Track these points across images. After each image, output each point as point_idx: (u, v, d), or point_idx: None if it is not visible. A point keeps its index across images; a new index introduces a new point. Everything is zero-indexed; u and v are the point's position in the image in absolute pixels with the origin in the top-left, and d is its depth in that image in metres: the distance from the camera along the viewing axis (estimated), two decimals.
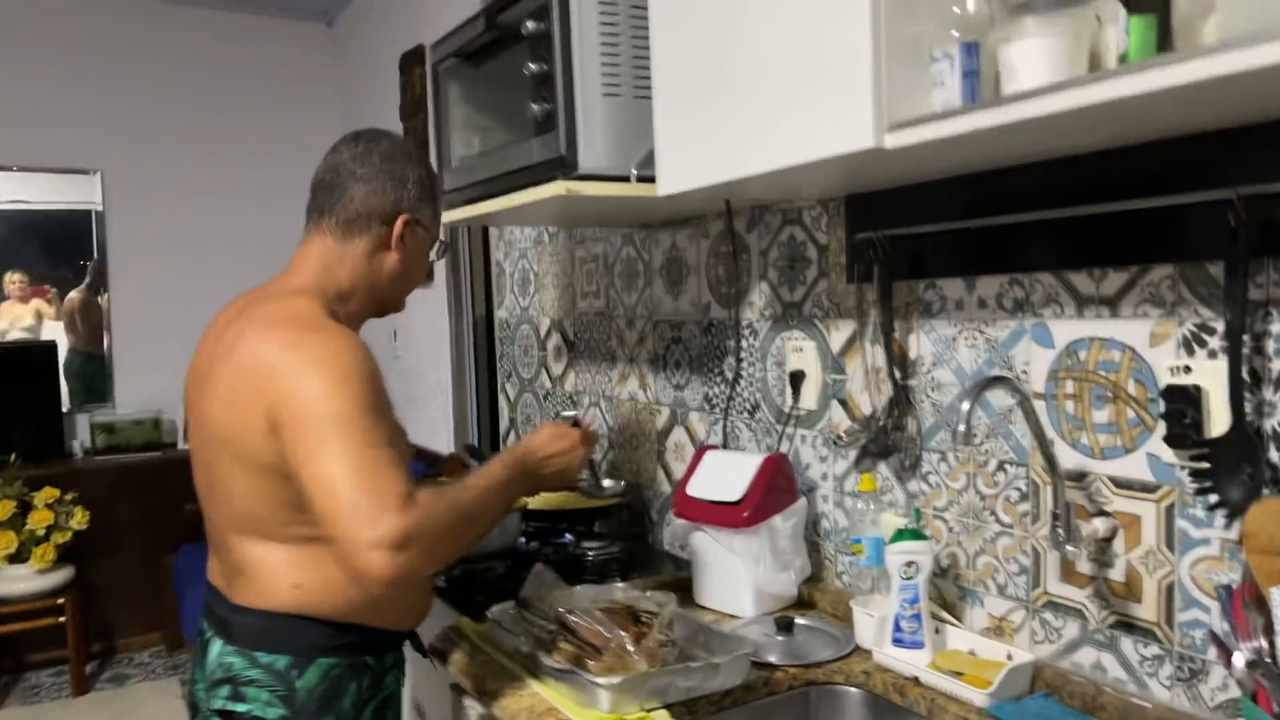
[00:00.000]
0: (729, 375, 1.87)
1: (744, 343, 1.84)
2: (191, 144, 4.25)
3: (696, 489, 1.62)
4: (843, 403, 1.60)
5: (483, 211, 1.69)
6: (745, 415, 1.84)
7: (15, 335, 3.97)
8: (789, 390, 1.70)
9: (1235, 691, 1.06)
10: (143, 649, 3.93)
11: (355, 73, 4.34)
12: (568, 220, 2.15)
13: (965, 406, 1.12)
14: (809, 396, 1.67)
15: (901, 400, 1.45)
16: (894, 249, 1.43)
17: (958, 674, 1.25)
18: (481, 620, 1.50)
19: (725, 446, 1.84)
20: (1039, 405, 1.26)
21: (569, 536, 2.04)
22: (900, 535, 1.33)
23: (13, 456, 3.51)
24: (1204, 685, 1.10)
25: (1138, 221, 1.11)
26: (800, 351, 1.68)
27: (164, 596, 3.83)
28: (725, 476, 1.59)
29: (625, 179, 1.52)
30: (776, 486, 1.56)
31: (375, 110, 4.12)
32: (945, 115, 1.01)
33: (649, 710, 1.20)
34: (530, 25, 1.49)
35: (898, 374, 1.45)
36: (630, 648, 1.24)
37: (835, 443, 1.58)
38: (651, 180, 1.51)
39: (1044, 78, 0.95)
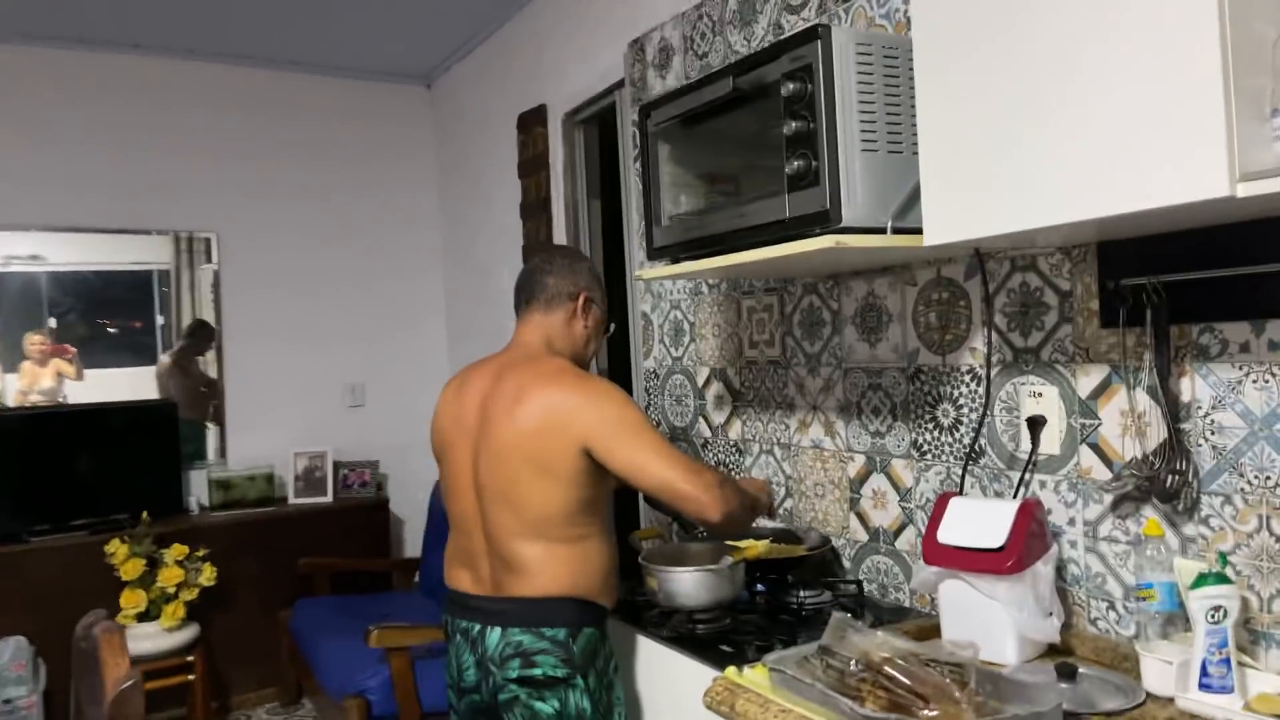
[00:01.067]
0: (947, 422, 1.88)
1: (965, 389, 1.85)
2: (299, 204, 4.34)
3: (948, 536, 1.62)
4: (1094, 447, 1.61)
5: (733, 262, 1.72)
6: (969, 458, 1.85)
7: (34, 398, 3.83)
8: (1025, 436, 1.71)
9: None
10: (258, 704, 3.91)
11: (454, 131, 4.44)
12: (810, 271, 2.12)
13: None
14: (1050, 442, 1.67)
15: (1176, 444, 1.46)
16: (1168, 294, 1.44)
17: (1276, 716, 1.24)
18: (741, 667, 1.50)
19: (961, 493, 1.83)
20: None
21: (761, 586, 2.04)
22: (1203, 580, 1.32)
23: (144, 514, 3.53)
24: None
25: None
26: (1039, 397, 1.69)
27: (278, 651, 3.82)
28: (977, 523, 1.60)
29: (882, 231, 1.55)
30: (1033, 532, 1.56)
31: (477, 166, 4.20)
32: None
33: None
34: (790, 86, 1.53)
35: (1171, 418, 1.46)
36: (956, 695, 1.23)
37: (1105, 487, 1.57)
38: (906, 231, 1.55)
39: None
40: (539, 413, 1.67)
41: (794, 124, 1.53)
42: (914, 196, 1.54)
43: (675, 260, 1.94)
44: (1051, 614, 1.56)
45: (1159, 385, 1.47)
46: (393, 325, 4.59)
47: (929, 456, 1.94)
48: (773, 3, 2.29)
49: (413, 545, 4.37)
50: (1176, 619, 1.42)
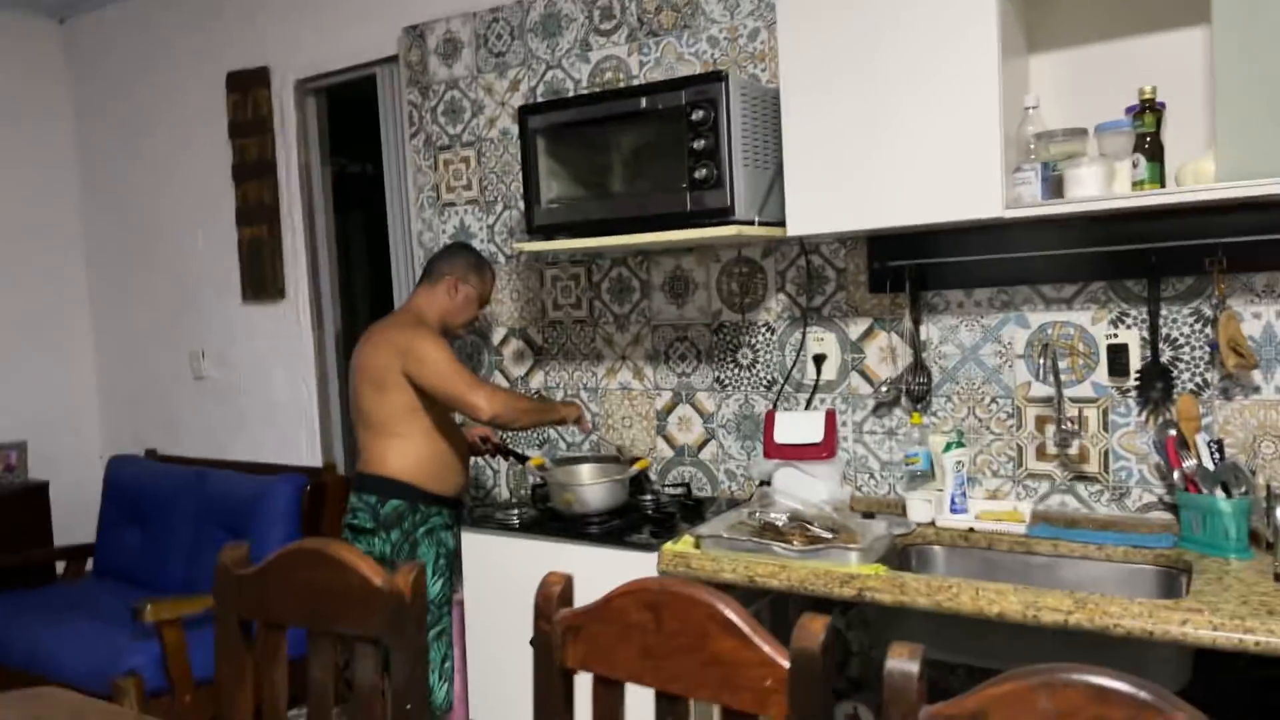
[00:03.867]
0: (746, 362, 2.58)
1: (761, 337, 2.56)
2: None
3: (782, 438, 2.32)
4: (860, 373, 2.42)
5: (634, 241, 2.21)
6: (762, 388, 2.57)
7: None
8: (811, 368, 2.47)
9: (1145, 500, 2.08)
10: None
11: (105, 78, 4.07)
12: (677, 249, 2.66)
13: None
14: (829, 371, 2.45)
15: (921, 366, 2.31)
16: (919, 271, 2.28)
17: (992, 518, 2.14)
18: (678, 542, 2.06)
19: (776, 409, 2.52)
20: (1019, 363, 2.21)
21: None
22: (950, 446, 2.19)
23: None
24: (1127, 501, 2.12)
25: (1088, 257, 2.09)
26: (821, 340, 2.46)
27: None
28: (799, 428, 2.32)
29: (752, 223, 2.18)
30: (834, 430, 2.33)
31: (146, 120, 3.95)
32: (1042, 203, 1.89)
33: (875, 564, 1.90)
34: (699, 113, 2.08)
35: (917, 350, 2.31)
36: (853, 529, 1.94)
37: (878, 392, 2.38)
38: (767, 224, 2.20)
39: (1092, 190, 1.87)
40: (377, 346, 2.44)
41: (701, 141, 2.09)
42: (767, 200, 2.19)
43: (549, 238, 2.36)
44: (845, 483, 2.35)
45: (914, 329, 2.31)
46: (25, 293, 4.10)
47: (729, 388, 2.62)
48: (580, 23, 2.76)
49: (85, 530, 4.01)
50: (925, 475, 2.27)
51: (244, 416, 3.78)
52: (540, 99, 2.86)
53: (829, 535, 1.93)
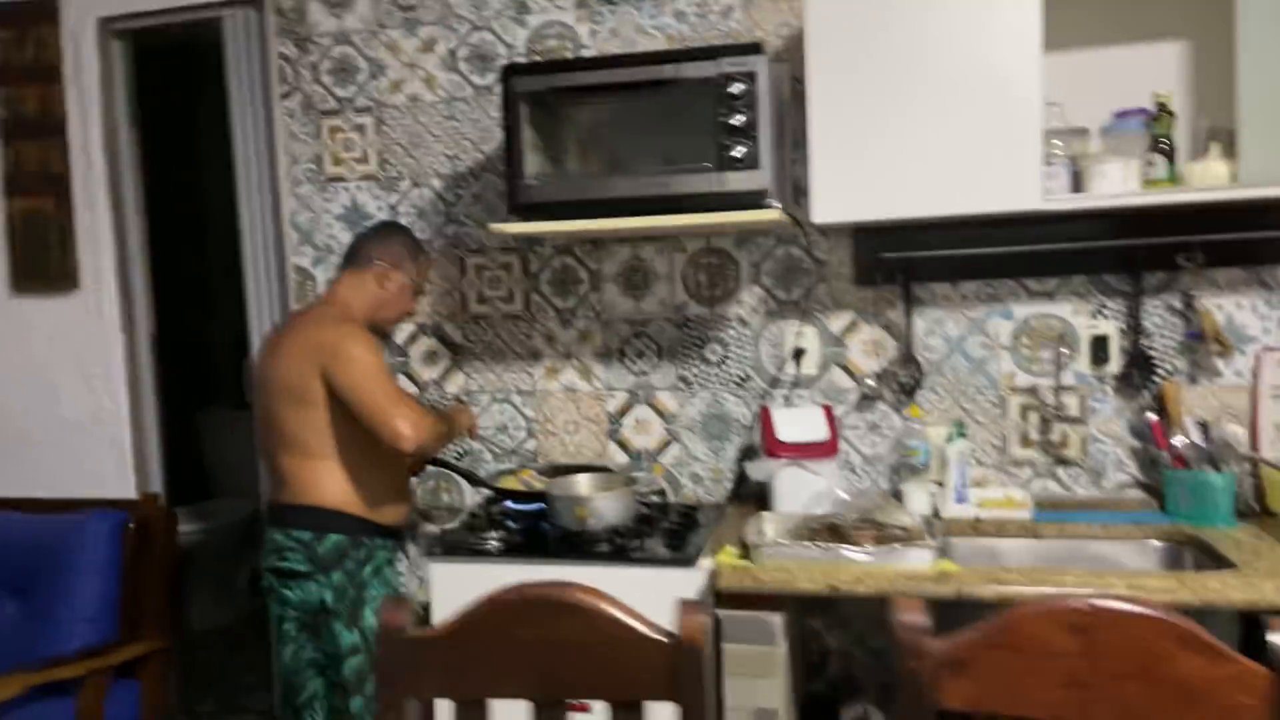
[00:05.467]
0: (715, 358, 2.44)
1: (733, 331, 2.43)
2: None
3: (786, 436, 2.20)
4: (843, 367, 2.38)
5: (661, 224, 1.99)
6: (734, 385, 2.44)
7: None
8: (791, 362, 2.39)
9: (1119, 480, 2.23)
10: None
11: None
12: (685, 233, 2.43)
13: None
14: (809, 365, 2.38)
15: (911, 358, 2.31)
16: (908, 264, 2.28)
17: (999, 507, 2.19)
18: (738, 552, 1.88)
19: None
20: (1004, 354, 2.28)
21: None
22: (952, 437, 2.20)
23: None
24: (1105, 483, 2.26)
25: (1072, 252, 2.21)
26: (801, 334, 2.39)
27: None
28: (800, 425, 2.22)
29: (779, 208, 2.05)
30: (835, 426, 2.26)
31: None
32: (1075, 196, 1.96)
33: (945, 560, 1.86)
34: (739, 86, 1.91)
35: (907, 344, 2.31)
36: (920, 528, 1.88)
37: (865, 387, 2.34)
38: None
39: (1115, 186, 1.97)
40: (293, 349, 2.02)
41: (740, 116, 1.92)
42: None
43: (530, 219, 2.07)
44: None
45: (905, 322, 2.30)
46: None
47: (695, 386, 2.46)
48: None
49: None
50: (920, 468, 2.27)
51: (17, 440, 2.96)
52: (462, 62, 2.52)
53: (901, 532, 1.86)
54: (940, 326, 2.32)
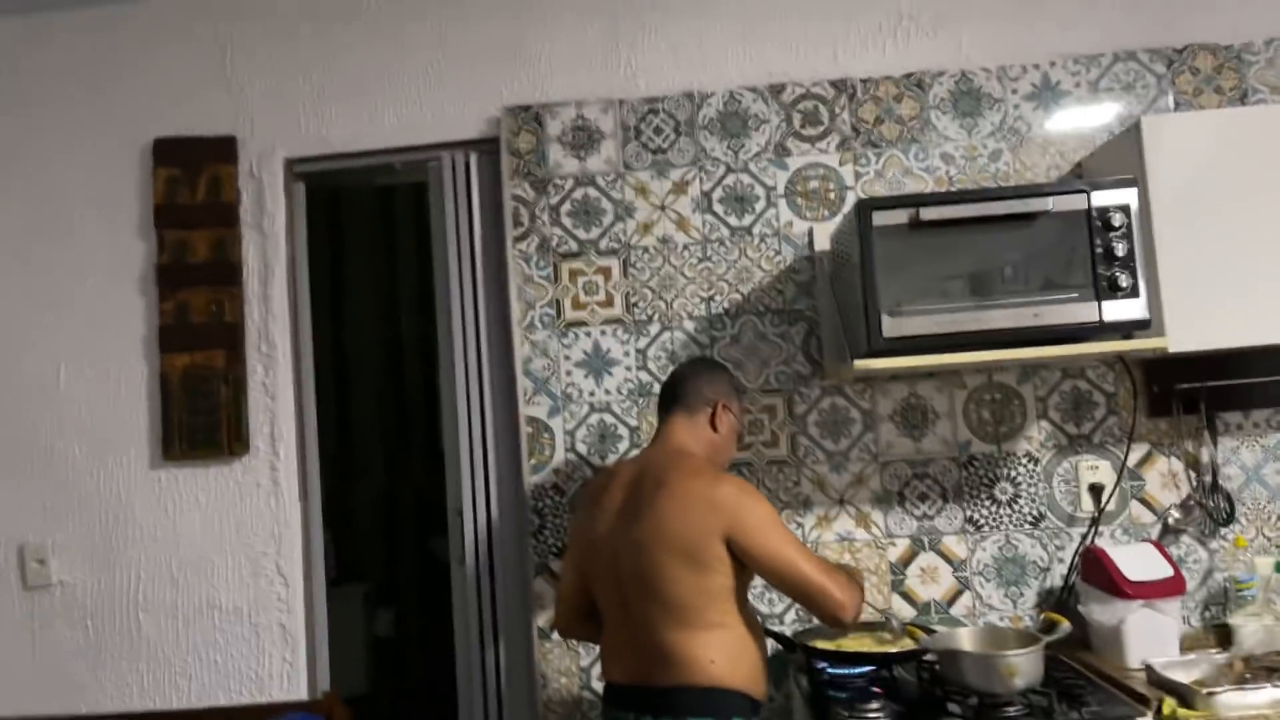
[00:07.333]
0: (1005, 498, 2.34)
1: (1022, 469, 2.36)
2: None
3: (1132, 574, 2.11)
4: (1141, 500, 2.33)
5: (1038, 355, 1.94)
6: (1028, 525, 2.34)
7: None
8: (1086, 499, 2.32)
9: None
10: None
11: None
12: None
13: None
14: (1105, 500, 2.33)
15: (1218, 488, 2.29)
16: (1210, 394, 2.29)
17: None
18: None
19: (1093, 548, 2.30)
20: None
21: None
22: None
23: None
24: None
25: None
26: (1095, 469, 2.34)
27: None
28: (1140, 563, 2.14)
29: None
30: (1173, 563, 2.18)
31: None
32: None
33: None
34: (1119, 218, 1.93)
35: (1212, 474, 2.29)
36: None
37: (1172, 519, 2.29)
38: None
39: None
40: (681, 503, 1.78)
41: (1120, 246, 1.92)
42: None
43: (908, 353, 1.98)
44: None
45: (1213, 452, 2.29)
46: None
47: (985, 529, 2.35)
48: (775, 125, 2.46)
49: None
50: (1248, 600, 2.21)
51: (167, 638, 2.51)
52: (717, 203, 2.46)
53: None
54: (1235, 455, 2.32)
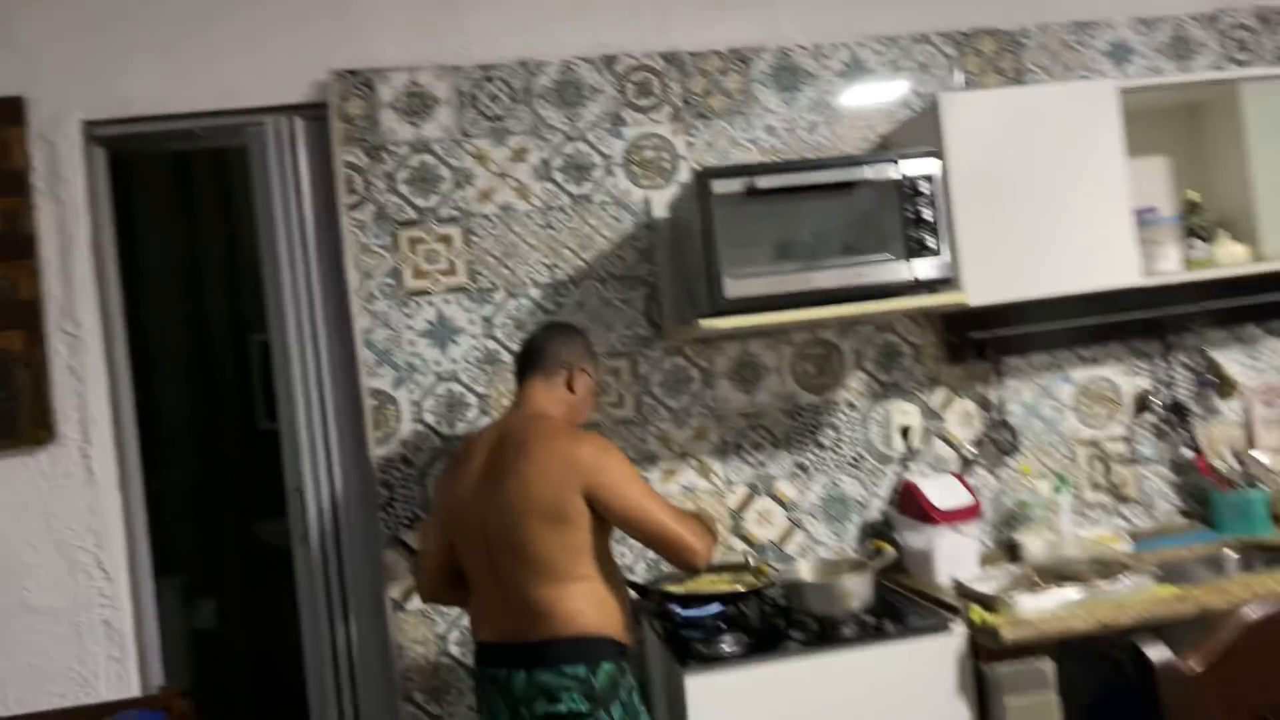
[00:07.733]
0: (828, 442, 2.56)
1: (842, 416, 2.58)
2: None
3: (940, 504, 2.38)
4: (943, 438, 2.62)
5: (857, 312, 2.13)
6: (849, 466, 2.58)
7: None
8: (898, 439, 2.59)
9: (1165, 509, 2.67)
10: None
11: None
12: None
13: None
14: (914, 439, 2.60)
15: (1005, 424, 2.61)
16: (998, 342, 2.60)
17: (1102, 541, 2.51)
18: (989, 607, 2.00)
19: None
20: (1069, 413, 2.66)
21: None
22: (1059, 488, 2.52)
23: None
24: (1155, 514, 2.68)
25: (1115, 324, 2.66)
26: (905, 413, 2.60)
27: None
28: (944, 493, 2.41)
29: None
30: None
31: None
32: (1170, 272, 2.41)
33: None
34: (927, 185, 2.15)
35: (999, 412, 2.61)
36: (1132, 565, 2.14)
37: (968, 453, 2.58)
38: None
39: (1173, 265, 2.45)
40: (543, 465, 1.84)
41: (926, 211, 2.15)
42: None
43: (748, 311, 2.12)
44: None
45: (997, 393, 2.60)
46: None
47: (811, 471, 2.57)
48: (607, 95, 2.53)
49: None
50: (1028, 520, 2.55)
51: None
52: (557, 171, 2.50)
53: (1127, 564, 2.10)
54: (1017, 395, 2.65)
